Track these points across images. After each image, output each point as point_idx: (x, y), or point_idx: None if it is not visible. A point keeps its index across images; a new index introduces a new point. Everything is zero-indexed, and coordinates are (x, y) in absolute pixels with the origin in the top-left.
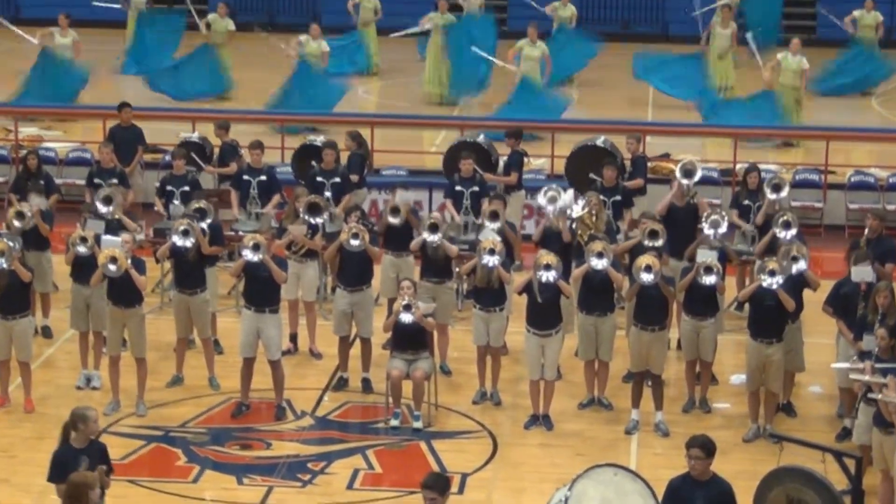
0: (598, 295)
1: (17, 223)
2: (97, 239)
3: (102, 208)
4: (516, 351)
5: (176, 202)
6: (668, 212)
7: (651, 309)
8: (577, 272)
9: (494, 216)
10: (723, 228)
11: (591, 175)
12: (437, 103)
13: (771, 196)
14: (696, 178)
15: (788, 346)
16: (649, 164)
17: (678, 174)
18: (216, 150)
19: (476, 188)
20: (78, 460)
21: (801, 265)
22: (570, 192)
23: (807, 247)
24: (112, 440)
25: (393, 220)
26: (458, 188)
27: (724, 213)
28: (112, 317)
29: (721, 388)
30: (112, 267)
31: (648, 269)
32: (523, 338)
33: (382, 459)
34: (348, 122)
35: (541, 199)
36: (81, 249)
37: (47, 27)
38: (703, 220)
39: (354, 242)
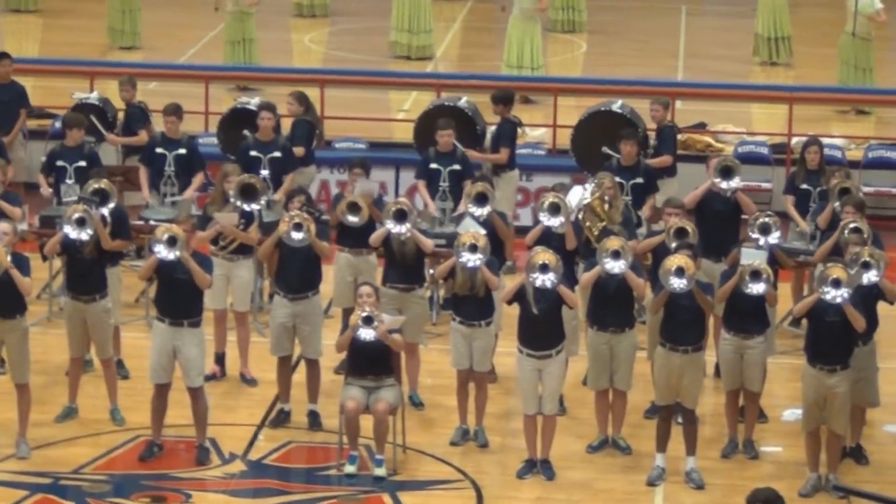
0: (613, 306)
1: None
2: None
3: None
4: (507, 378)
5: (69, 181)
6: (701, 201)
7: (682, 324)
8: (585, 277)
9: (481, 199)
10: (774, 237)
11: (605, 150)
12: (406, 56)
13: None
14: (736, 181)
15: (858, 375)
16: (679, 137)
17: (713, 174)
18: (120, 115)
19: (456, 166)
20: None
21: (874, 275)
22: (576, 189)
23: (882, 247)
24: None
25: (352, 220)
26: (433, 166)
27: (775, 219)
28: None
29: (771, 427)
30: None
31: (680, 272)
32: (515, 361)
33: None
34: (291, 79)
35: (540, 215)
36: None
37: None
38: (750, 223)
39: (297, 236)
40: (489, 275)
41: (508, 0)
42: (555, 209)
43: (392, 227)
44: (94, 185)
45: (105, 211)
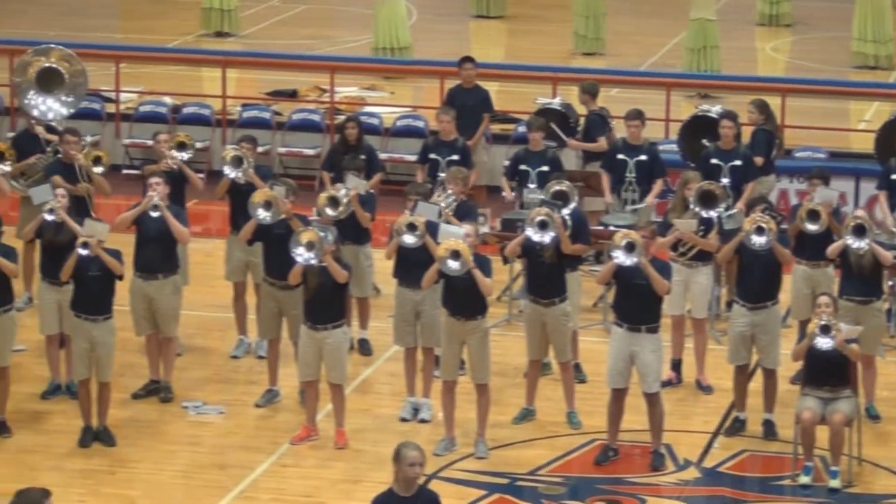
0: None
1: (329, 210)
2: (430, 227)
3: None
4: None
5: (531, 185)
6: None
7: None
8: None
9: None
10: None
11: None
12: (869, 66)
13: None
14: None
15: None
16: None
17: None
18: (582, 121)
19: None
20: None
21: None
22: None
23: None
24: (444, 488)
25: (811, 228)
26: (894, 177)
27: None
28: (448, 330)
29: None
30: (454, 264)
31: None
32: None
33: None
34: (752, 87)
35: None
36: (409, 240)
37: None
38: None
39: (758, 240)
40: None
41: None
42: None
43: (851, 241)
44: (555, 186)
45: (566, 212)
